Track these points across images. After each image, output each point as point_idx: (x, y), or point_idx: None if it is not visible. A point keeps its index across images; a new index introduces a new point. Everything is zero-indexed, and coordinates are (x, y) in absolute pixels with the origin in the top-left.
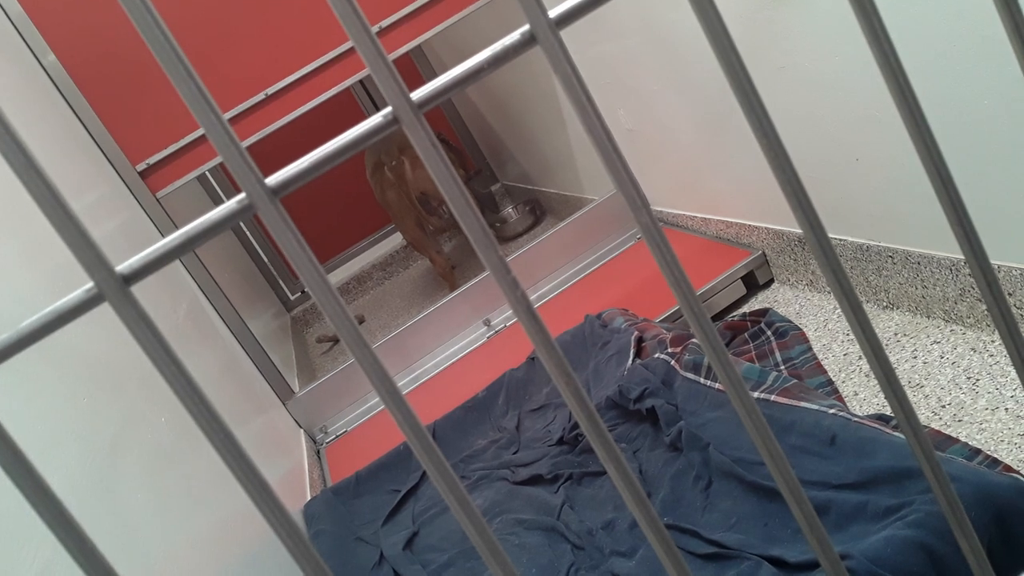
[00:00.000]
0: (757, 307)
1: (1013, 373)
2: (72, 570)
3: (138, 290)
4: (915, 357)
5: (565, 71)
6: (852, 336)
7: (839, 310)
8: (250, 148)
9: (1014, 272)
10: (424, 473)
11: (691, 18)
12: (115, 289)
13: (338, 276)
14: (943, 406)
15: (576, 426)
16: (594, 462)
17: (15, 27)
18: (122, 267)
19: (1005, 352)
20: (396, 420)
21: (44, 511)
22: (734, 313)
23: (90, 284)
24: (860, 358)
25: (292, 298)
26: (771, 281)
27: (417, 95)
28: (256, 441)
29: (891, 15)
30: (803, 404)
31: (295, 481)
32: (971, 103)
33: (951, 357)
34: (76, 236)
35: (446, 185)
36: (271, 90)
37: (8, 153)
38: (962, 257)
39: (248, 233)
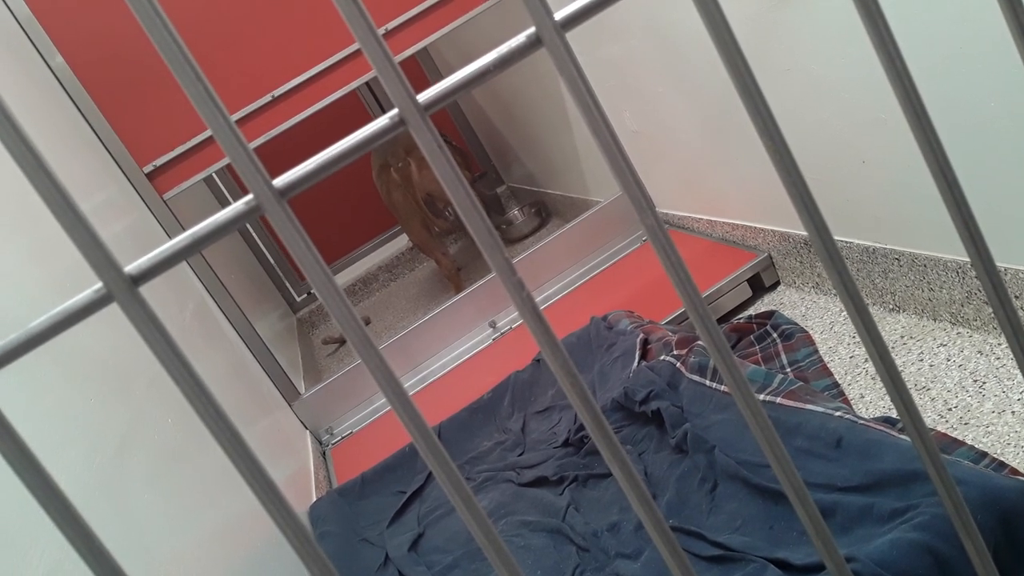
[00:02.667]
0: (763, 309)
1: (1020, 376)
2: (80, 570)
3: (145, 291)
4: (921, 360)
5: (571, 73)
6: (858, 338)
7: (845, 312)
8: (256, 150)
9: (1020, 275)
10: (430, 474)
11: (696, 20)
12: (124, 289)
13: (344, 278)
14: (949, 409)
15: (581, 428)
16: (599, 464)
17: (23, 29)
18: (130, 267)
19: (1012, 355)
20: (402, 421)
21: (53, 511)
22: (740, 315)
23: (99, 284)
24: (866, 361)
25: (298, 300)
26: (777, 283)
27: (423, 97)
28: (262, 442)
29: (896, 18)
30: (809, 406)
31: (301, 482)
32: (977, 106)
33: (958, 360)
34: (85, 237)
35: (452, 187)
36: (277, 92)
37: (17, 154)
38: (968, 260)
39: (255, 235)
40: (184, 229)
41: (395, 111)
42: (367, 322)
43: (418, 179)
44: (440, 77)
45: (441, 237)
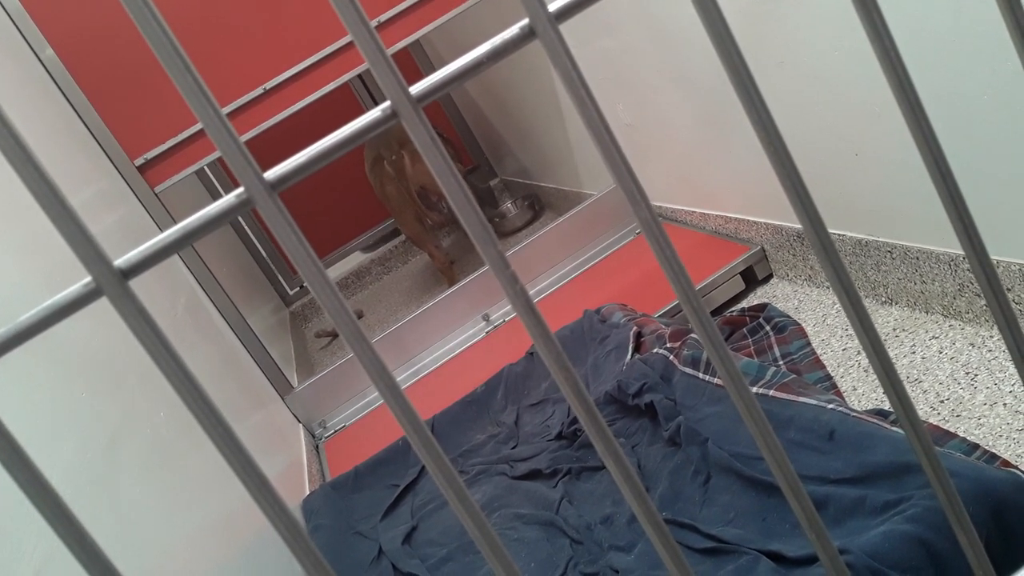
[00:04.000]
0: (756, 302)
1: (1012, 368)
2: (71, 565)
3: (136, 285)
4: (914, 352)
5: (564, 65)
6: (851, 331)
7: (838, 305)
8: (248, 143)
9: (1013, 267)
10: (423, 468)
11: (690, 12)
12: (113, 283)
13: (337, 271)
14: (941, 401)
15: (575, 421)
16: (593, 457)
17: (13, 21)
18: (120, 261)
19: (1004, 347)
20: (395, 414)
21: (43, 506)
22: (733, 308)
23: (88, 278)
24: (859, 353)
25: (291, 293)
26: (770, 276)
27: (416, 89)
28: (255, 436)
29: (891, 9)
30: (802, 399)
31: (294, 476)
32: (971, 98)
33: (950, 352)
34: (74, 230)
35: (445, 179)
36: (269, 85)
37: (5, 147)
38: (961, 252)
39: (247, 228)
40: (176, 222)
41: (388, 103)
42: (360, 315)
43: (411, 172)
44: (432, 69)
45: (434, 230)
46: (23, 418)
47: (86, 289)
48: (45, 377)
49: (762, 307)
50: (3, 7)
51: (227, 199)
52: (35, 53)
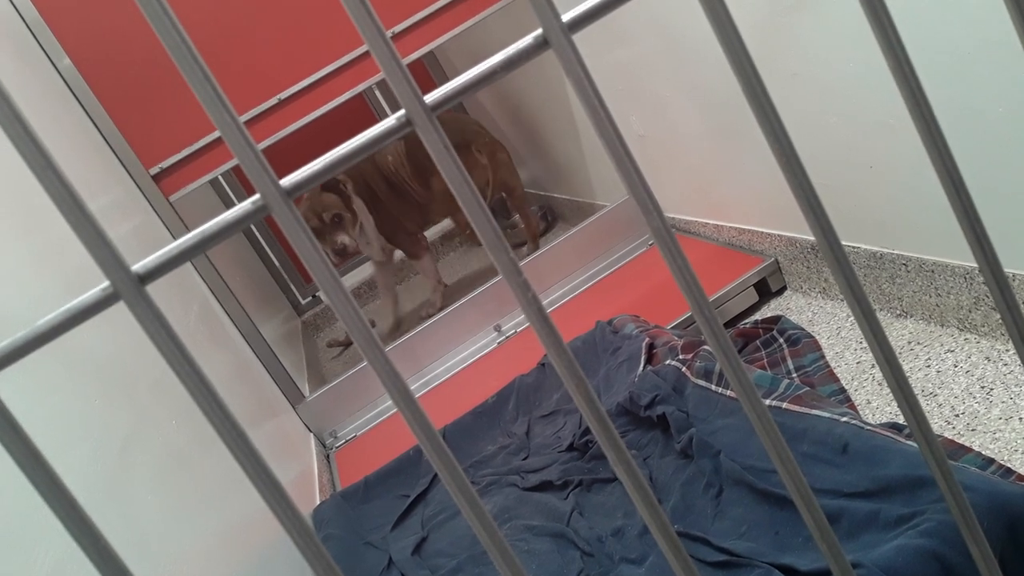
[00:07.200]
0: (769, 314)
1: None
2: (83, 568)
3: (151, 292)
4: (929, 365)
5: (578, 75)
6: (865, 344)
7: (852, 318)
8: (263, 152)
9: None
10: (433, 478)
11: (704, 24)
12: (131, 288)
13: (349, 281)
14: (956, 415)
15: (586, 432)
16: (604, 468)
17: (30, 30)
18: (137, 267)
19: (1019, 361)
20: (407, 421)
21: (60, 510)
22: (746, 320)
23: (106, 283)
24: (873, 366)
25: (303, 302)
26: (784, 288)
27: (431, 98)
28: (266, 444)
29: (904, 22)
30: (815, 412)
31: (304, 485)
32: (985, 110)
33: (965, 366)
34: (92, 235)
35: (459, 188)
36: (284, 95)
37: (27, 153)
38: (976, 265)
39: (259, 237)
40: (190, 231)
41: (402, 112)
42: (372, 325)
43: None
44: (446, 79)
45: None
46: (37, 423)
47: (104, 294)
48: (59, 383)
49: (776, 319)
50: (21, 16)
51: (243, 206)
52: (52, 62)
